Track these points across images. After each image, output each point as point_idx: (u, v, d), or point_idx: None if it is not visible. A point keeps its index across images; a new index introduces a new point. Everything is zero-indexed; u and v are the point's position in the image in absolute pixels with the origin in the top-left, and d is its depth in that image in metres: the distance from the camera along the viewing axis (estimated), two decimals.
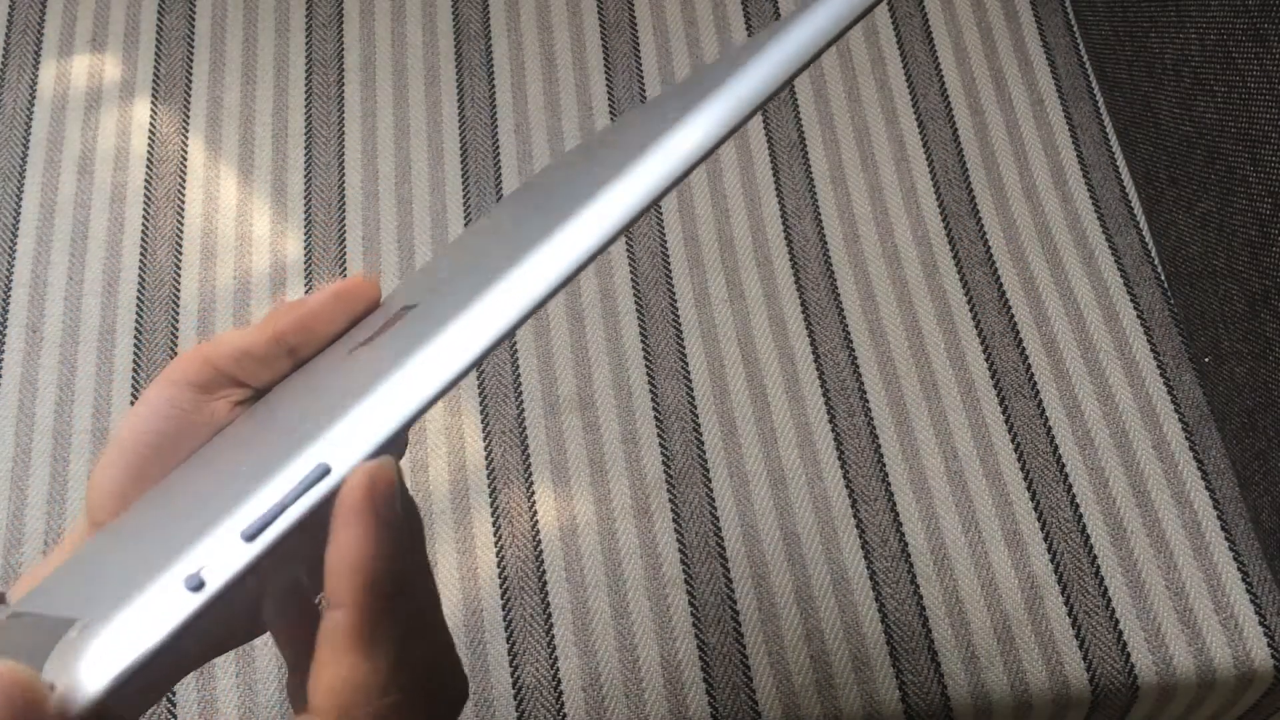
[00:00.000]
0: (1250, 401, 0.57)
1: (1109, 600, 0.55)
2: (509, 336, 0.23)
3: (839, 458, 0.59)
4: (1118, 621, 0.55)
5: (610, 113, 0.69)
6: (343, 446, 0.22)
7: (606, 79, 0.70)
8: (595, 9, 0.73)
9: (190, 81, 0.70)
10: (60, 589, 0.27)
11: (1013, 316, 0.63)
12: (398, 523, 0.23)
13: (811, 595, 0.55)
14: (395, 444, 0.23)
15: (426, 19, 0.73)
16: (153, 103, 0.69)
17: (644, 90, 0.70)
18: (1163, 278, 0.64)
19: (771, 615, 0.55)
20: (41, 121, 0.68)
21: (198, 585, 0.21)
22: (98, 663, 0.20)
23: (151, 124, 0.69)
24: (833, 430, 0.59)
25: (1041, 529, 0.57)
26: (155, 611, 0.20)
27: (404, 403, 0.23)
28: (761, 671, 0.54)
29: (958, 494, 0.58)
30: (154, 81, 0.70)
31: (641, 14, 0.73)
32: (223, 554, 0.21)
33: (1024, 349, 0.62)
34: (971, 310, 0.63)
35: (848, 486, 0.58)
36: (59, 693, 0.20)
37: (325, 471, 0.22)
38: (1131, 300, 0.63)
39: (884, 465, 0.59)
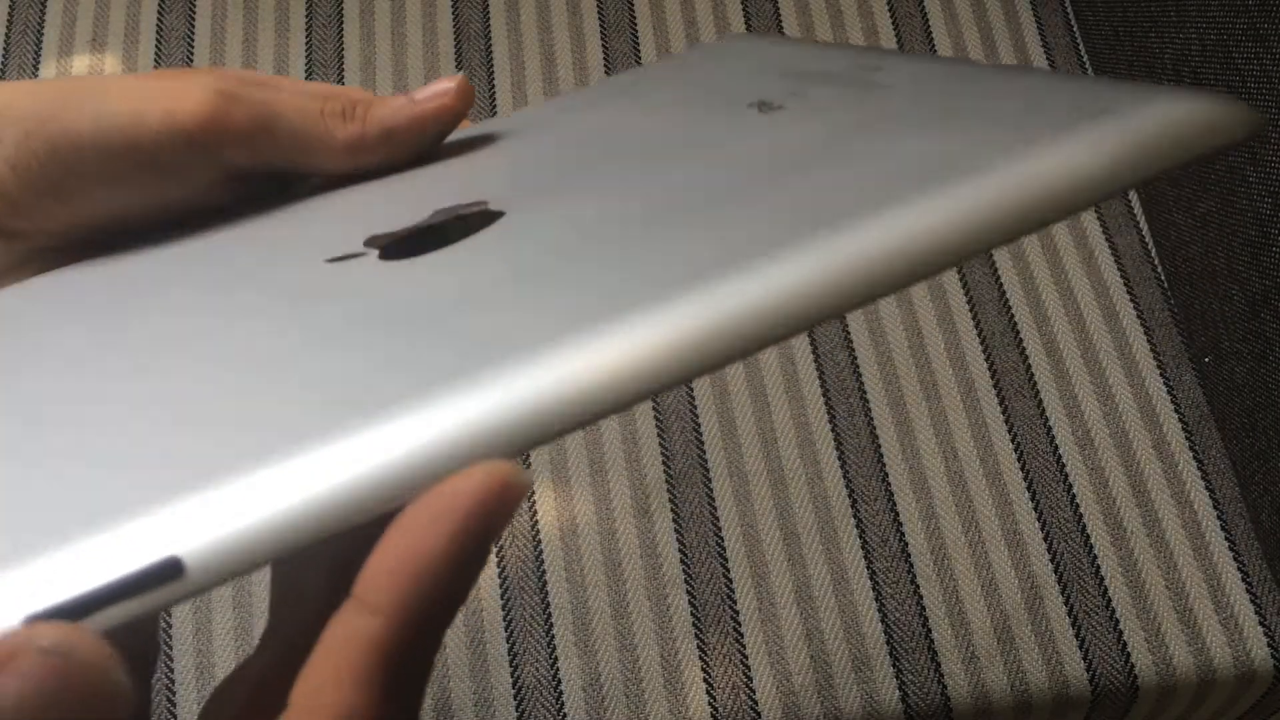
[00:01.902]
0: (1250, 401, 0.57)
1: (1109, 600, 0.55)
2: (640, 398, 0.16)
3: (839, 458, 0.59)
4: (1118, 621, 0.55)
5: None
6: (199, 538, 0.15)
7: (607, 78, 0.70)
8: (595, 9, 0.73)
9: None
10: None
11: (1013, 316, 0.63)
12: (488, 547, 0.17)
13: (811, 595, 0.55)
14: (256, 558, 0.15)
15: (426, 19, 0.73)
16: None
17: None
18: (1163, 278, 0.64)
19: (771, 615, 0.55)
20: None
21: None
22: None
23: None
24: (833, 430, 0.59)
25: (1041, 529, 0.57)
26: None
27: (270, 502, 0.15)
28: (761, 671, 0.54)
29: (958, 494, 0.58)
30: None
31: (641, 14, 0.73)
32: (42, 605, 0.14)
33: (1024, 349, 0.62)
34: (971, 310, 0.63)
35: (848, 486, 0.58)
36: None
37: (175, 569, 0.15)
38: (1131, 300, 0.63)
39: (884, 465, 0.59)
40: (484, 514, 0.16)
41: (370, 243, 0.24)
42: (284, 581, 0.22)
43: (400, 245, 0.23)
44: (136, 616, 0.14)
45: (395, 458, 0.15)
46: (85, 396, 0.20)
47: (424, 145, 0.28)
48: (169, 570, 0.15)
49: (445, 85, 0.28)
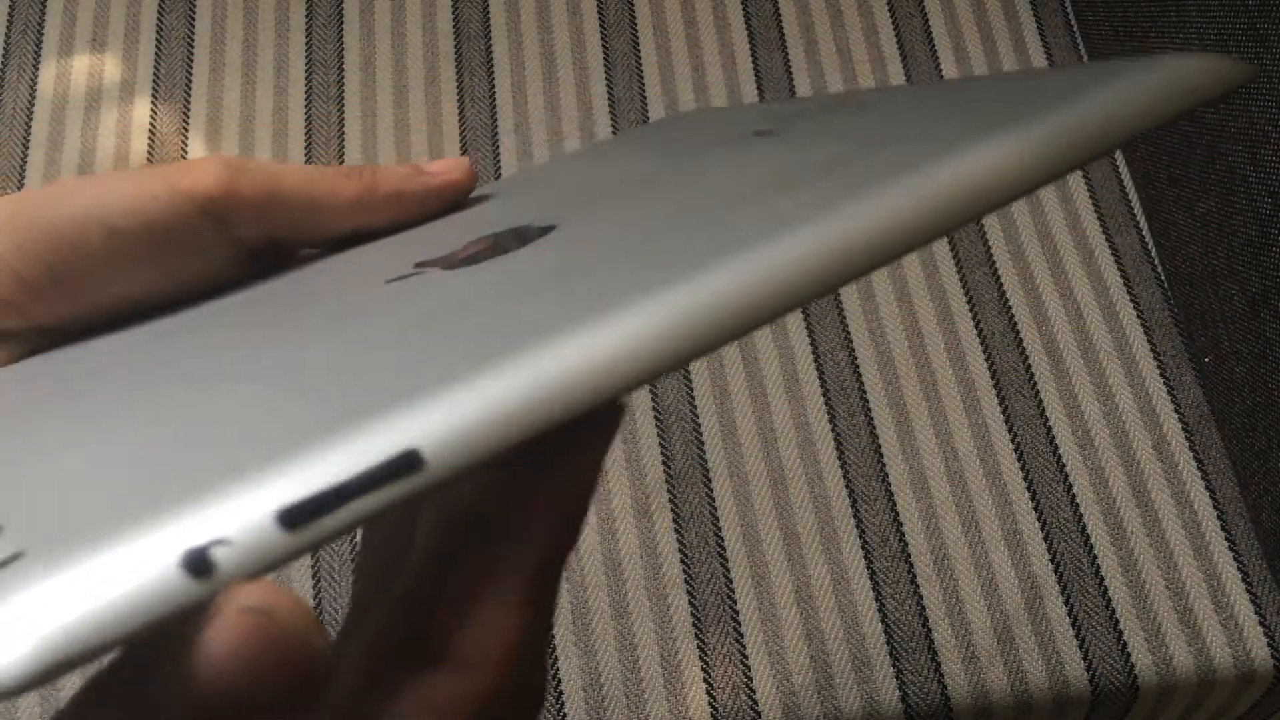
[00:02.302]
0: (1250, 401, 0.57)
1: (1109, 600, 0.55)
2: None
3: (839, 458, 0.59)
4: (1118, 621, 0.55)
5: (610, 112, 0.69)
6: (439, 432, 0.16)
7: (606, 79, 0.70)
8: (595, 9, 0.73)
9: (190, 82, 0.70)
10: None
11: (1013, 316, 0.63)
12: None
13: (811, 595, 0.55)
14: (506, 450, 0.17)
15: (426, 19, 0.73)
16: (153, 103, 0.69)
17: (644, 90, 0.70)
18: (1163, 278, 0.64)
19: (771, 615, 0.55)
20: (41, 122, 0.68)
21: (201, 568, 0.15)
22: (31, 624, 0.14)
23: (151, 124, 0.69)
24: (833, 430, 0.59)
25: (1041, 529, 0.57)
26: (130, 584, 0.15)
27: (551, 392, 0.16)
28: (761, 671, 0.54)
29: (958, 494, 0.58)
30: (154, 82, 0.70)
31: (641, 13, 0.73)
32: (247, 533, 0.15)
33: (1024, 349, 0.62)
34: (971, 310, 0.63)
35: (848, 486, 0.58)
36: None
37: (414, 463, 0.16)
38: (1131, 300, 0.63)
39: (884, 465, 0.59)
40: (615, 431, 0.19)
41: (421, 265, 0.24)
42: (380, 548, 0.23)
43: (462, 259, 0.24)
44: (377, 511, 0.15)
45: (609, 348, 0.16)
46: (272, 339, 0.21)
47: (427, 214, 0.28)
48: (408, 462, 0.15)
49: (456, 162, 0.29)
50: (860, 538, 0.57)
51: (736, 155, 0.24)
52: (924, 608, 0.55)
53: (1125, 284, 0.64)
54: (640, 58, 0.71)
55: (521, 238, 0.24)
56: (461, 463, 0.15)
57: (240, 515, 0.15)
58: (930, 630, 0.55)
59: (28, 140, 0.68)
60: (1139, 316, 0.63)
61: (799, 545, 0.57)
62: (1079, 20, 0.73)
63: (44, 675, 0.13)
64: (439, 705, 0.17)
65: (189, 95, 0.70)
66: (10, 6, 0.72)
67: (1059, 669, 0.54)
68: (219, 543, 0.14)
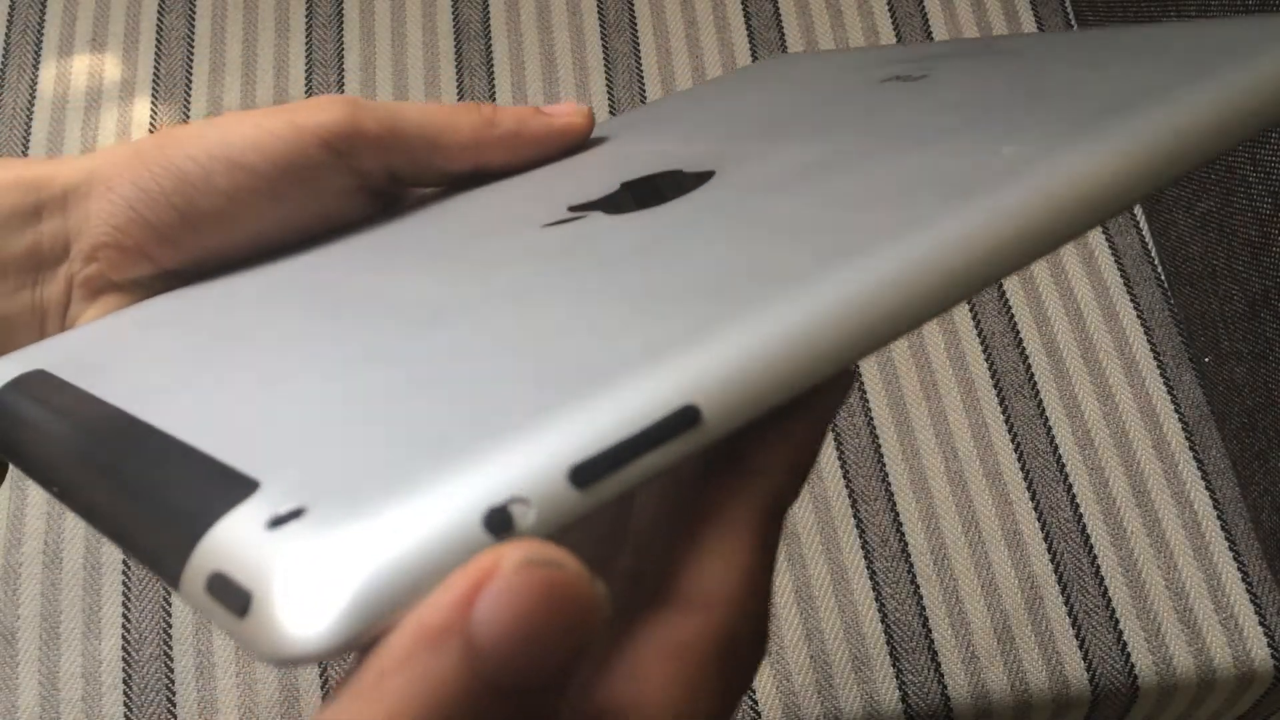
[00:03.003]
0: (1250, 402, 0.57)
1: (1109, 600, 0.55)
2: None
3: (839, 457, 0.59)
4: (1118, 621, 0.55)
5: (610, 113, 0.69)
6: (713, 385, 0.15)
7: (606, 79, 0.70)
8: (595, 9, 0.73)
9: (190, 81, 0.70)
10: (133, 364, 0.20)
11: (1013, 317, 0.63)
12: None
13: (811, 595, 0.55)
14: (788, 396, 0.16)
15: (426, 19, 0.73)
16: (153, 103, 0.69)
17: (644, 91, 0.70)
18: (1163, 278, 0.64)
19: (771, 615, 0.55)
20: (41, 121, 0.68)
21: (501, 525, 0.14)
22: (333, 584, 0.13)
23: (152, 124, 0.69)
24: (833, 430, 0.59)
25: (1041, 529, 0.57)
26: (434, 538, 0.14)
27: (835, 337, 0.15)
28: (761, 671, 0.54)
29: (958, 494, 0.58)
30: (154, 81, 0.70)
31: (641, 14, 0.73)
32: (544, 492, 0.14)
33: (1024, 349, 0.62)
34: (971, 310, 0.63)
35: (848, 486, 0.58)
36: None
37: (694, 418, 0.15)
38: (1131, 300, 0.63)
39: (884, 465, 0.59)
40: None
41: (576, 209, 0.23)
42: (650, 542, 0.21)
43: (626, 198, 0.23)
44: (659, 470, 0.15)
45: (877, 293, 0.16)
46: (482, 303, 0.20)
47: (544, 157, 0.28)
48: (687, 418, 0.15)
49: (576, 106, 0.28)
50: (860, 537, 0.57)
51: (912, 97, 0.24)
52: (924, 607, 0.55)
53: (1125, 284, 0.64)
54: (640, 58, 0.71)
55: (679, 184, 0.23)
56: (739, 418, 0.15)
57: (537, 472, 0.14)
58: (930, 630, 0.55)
59: (27, 140, 0.68)
60: (1139, 316, 0.63)
61: (799, 545, 0.57)
62: (1079, 21, 0.73)
63: (356, 637, 0.13)
64: (677, 648, 0.16)
65: (189, 95, 0.70)
66: (10, 6, 0.72)
67: (1059, 669, 0.54)
68: (517, 500, 0.14)
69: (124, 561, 0.56)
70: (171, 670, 0.54)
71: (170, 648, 0.54)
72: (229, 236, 0.26)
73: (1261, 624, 0.55)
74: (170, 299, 0.26)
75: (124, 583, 0.55)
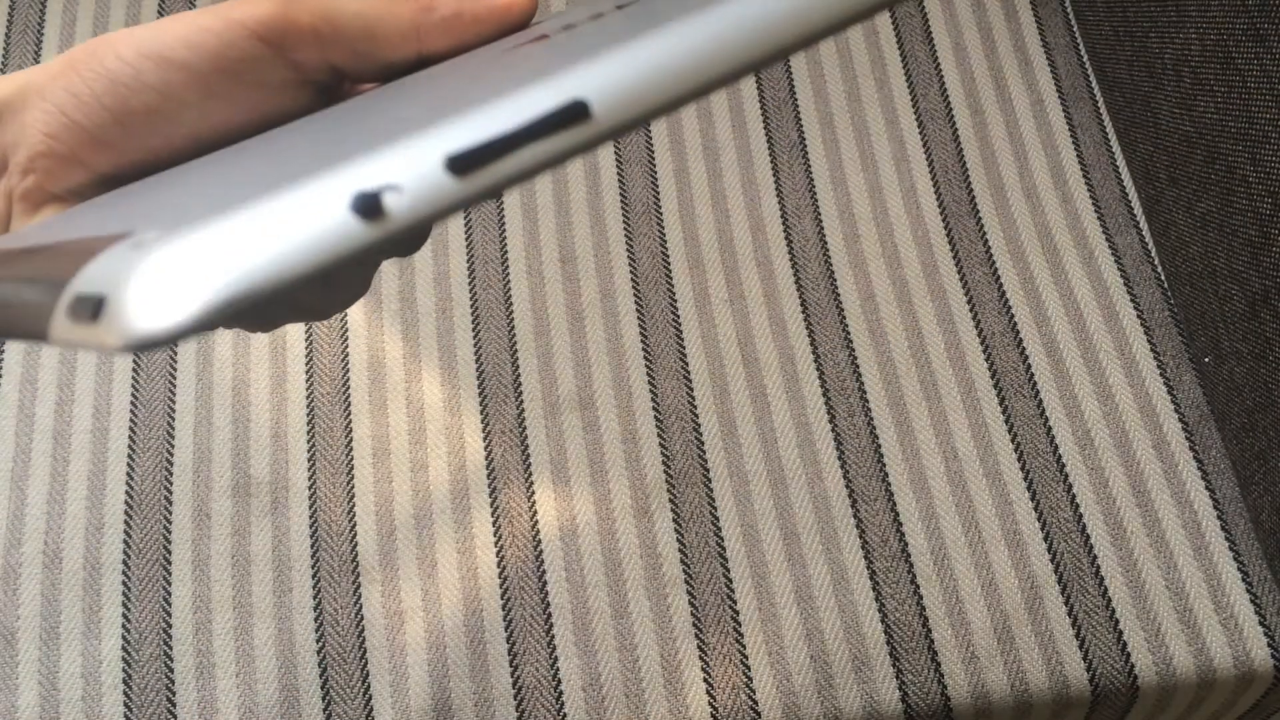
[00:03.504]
0: (1250, 401, 0.57)
1: (1109, 600, 0.55)
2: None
3: (839, 458, 0.59)
4: (1118, 621, 0.55)
5: None
6: (606, 83, 0.15)
7: None
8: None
9: None
10: (58, 228, 0.20)
11: (1013, 316, 0.63)
12: None
13: (811, 595, 0.55)
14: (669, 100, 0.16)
15: None
16: None
17: None
18: (1163, 278, 0.64)
19: (771, 615, 0.55)
20: None
21: (371, 211, 0.14)
22: (186, 269, 0.13)
23: None
24: (833, 430, 0.59)
25: (1041, 529, 0.57)
26: (298, 227, 0.13)
27: (699, 39, 0.16)
28: (761, 671, 0.54)
29: (958, 494, 0.58)
30: None
31: None
32: (417, 179, 0.14)
33: (1024, 349, 0.62)
34: (971, 310, 0.63)
35: (848, 486, 0.58)
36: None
37: (581, 109, 0.15)
38: (1131, 300, 0.63)
39: (884, 465, 0.59)
40: None
41: (511, 49, 0.23)
42: None
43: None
44: (544, 162, 0.15)
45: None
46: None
47: (487, 38, 0.27)
48: (575, 111, 0.15)
49: None
50: (860, 537, 0.57)
51: None
52: (924, 608, 0.55)
53: (1125, 284, 0.64)
54: None
55: (602, 15, 0.23)
56: (628, 115, 0.15)
57: (410, 161, 0.14)
58: (930, 630, 0.55)
59: None
60: (1139, 316, 0.63)
61: (799, 545, 0.57)
62: (1079, 20, 0.73)
63: (210, 315, 0.13)
64: None
65: None
66: (10, 6, 0.72)
67: (1059, 669, 0.54)
68: (389, 188, 0.14)
69: (124, 561, 0.56)
70: (171, 670, 0.54)
71: (170, 648, 0.54)
72: (165, 136, 0.25)
73: (1261, 624, 0.55)
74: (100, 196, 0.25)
75: (124, 583, 0.55)
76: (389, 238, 0.14)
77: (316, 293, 0.26)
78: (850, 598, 0.55)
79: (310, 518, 0.57)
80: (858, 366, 0.61)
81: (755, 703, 0.53)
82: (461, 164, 0.14)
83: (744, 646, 0.54)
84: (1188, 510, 0.58)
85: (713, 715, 0.53)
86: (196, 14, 0.25)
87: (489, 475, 0.58)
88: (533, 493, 0.58)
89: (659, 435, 0.59)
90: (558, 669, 0.54)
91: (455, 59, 0.26)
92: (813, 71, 0.71)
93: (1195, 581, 0.56)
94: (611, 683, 0.54)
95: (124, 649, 0.54)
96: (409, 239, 0.25)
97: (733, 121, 0.69)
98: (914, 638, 0.55)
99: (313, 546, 0.56)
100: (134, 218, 0.17)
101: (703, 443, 0.59)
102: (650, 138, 0.69)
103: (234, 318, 0.13)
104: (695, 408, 0.60)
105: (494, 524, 0.57)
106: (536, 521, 0.57)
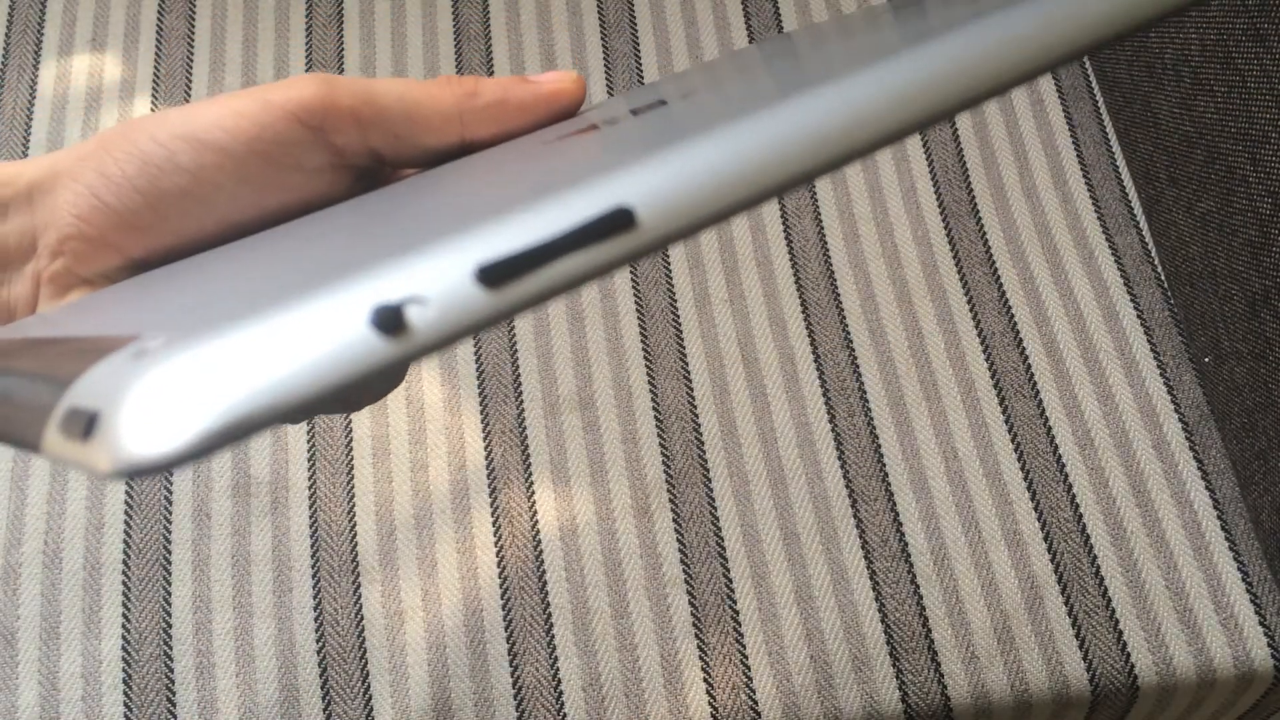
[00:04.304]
0: (1250, 401, 0.57)
1: (1109, 600, 0.55)
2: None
3: (839, 458, 0.59)
4: (1118, 622, 0.55)
5: None
6: (649, 187, 0.14)
7: (606, 79, 0.70)
8: (595, 9, 0.73)
9: (190, 81, 0.70)
10: (75, 318, 0.19)
11: (1013, 316, 0.63)
12: None
13: (811, 595, 0.55)
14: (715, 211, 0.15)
15: (426, 19, 0.72)
16: (153, 103, 0.69)
17: None
18: (1163, 278, 0.64)
19: (771, 615, 0.55)
20: (41, 121, 0.68)
21: (393, 325, 0.12)
22: (187, 389, 0.12)
23: None
24: (833, 430, 0.59)
25: (1041, 529, 0.57)
26: (313, 343, 0.12)
27: (748, 149, 0.15)
28: (761, 671, 0.54)
29: (958, 494, 0.58)
30: (154, 81, 0.70)
31: (641, 14, 0.73)
32: (444, 291, 0.13)
33: (1024, 349, 0.62)
34: (971, 310, 0.63)
35: (848, 486, 0.58)
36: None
37: (627, 218, 0.14)
38: (1131, 300, 0.63)
39: (884, 465, 0.59)
40: None
41: (552, 141, 0.22)
42: None
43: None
44: (584, 275, 0.14)
45: (824, 115, 0.15)
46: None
47: (533, 126, 0.26)
48: (620, 219, 0.14)
49: (565, 73, 0.27)
50: (860, 538, 0.57)
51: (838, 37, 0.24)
52: (924, 608, 0.55)
53: (1125, 284, 0.64)
54: (640, 59, 0.71)
55: (645, 111, 0.22)
56: (678, 225, 0.14)
57: (437, 271, 0.13)
58: (930, 630, 0.55)
59: (27, 140, 0.67)
60: (1139, 316, 0.63)
61: (799, 545, 0.57)
62: None
63: (209, 442, 0.12)
64: None
65: (189, 95, 0.70)
66: (10, 6, 0.72)
67: (1059, 669, 0.54)
68: (413, 300, 0.13)
69: (124, 561, 0.56)
70: (171, 670, 0.54)
71: (170, 647, 0.54)
72: (197, 220, 0.24)
73: (1261, 624, 0.55)
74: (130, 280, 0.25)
75: (124, 582, 0.55)
76: (413, 354, 0.13)
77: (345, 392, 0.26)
78: (850, 598, 0.55)
79: (310, 517, 0.57)
80: (858, 366, 0.61)
81: (755, 703, 0.53)
82: (494, 275, 0.13)
83: (744, 646, 0.54)
84: (1188, 510, 0.58)
85: (713, 715, 0.53)
86: (232, 97, 0.24)
87: (489, 475, 0.58)
88: (533, 493, 0.58)
89: (659, 435, 0.59)
90: (558, 669, 0.54)
91: (498, 148, 0.25)
92: None
93: (1195, 582, 0.56)
94: (611, 683, 0.54)
95: (124, 649, 0.54)
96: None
97: None
98: (914, 638, 0.55)
99: (313, 546, 0.56)
100: (145, 317, 0.16)
101: (703, 443, 0.59)
102: None
103: (244, 437, 0.13)
104: (695, 408, 0.60)
105: (494, 524, 0.57)
106: (536, 521, 0.57)
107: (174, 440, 0.12)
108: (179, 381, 0.12)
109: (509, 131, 0.26)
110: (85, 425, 0.12)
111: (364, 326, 0.12)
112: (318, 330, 0.12)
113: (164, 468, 0.12)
